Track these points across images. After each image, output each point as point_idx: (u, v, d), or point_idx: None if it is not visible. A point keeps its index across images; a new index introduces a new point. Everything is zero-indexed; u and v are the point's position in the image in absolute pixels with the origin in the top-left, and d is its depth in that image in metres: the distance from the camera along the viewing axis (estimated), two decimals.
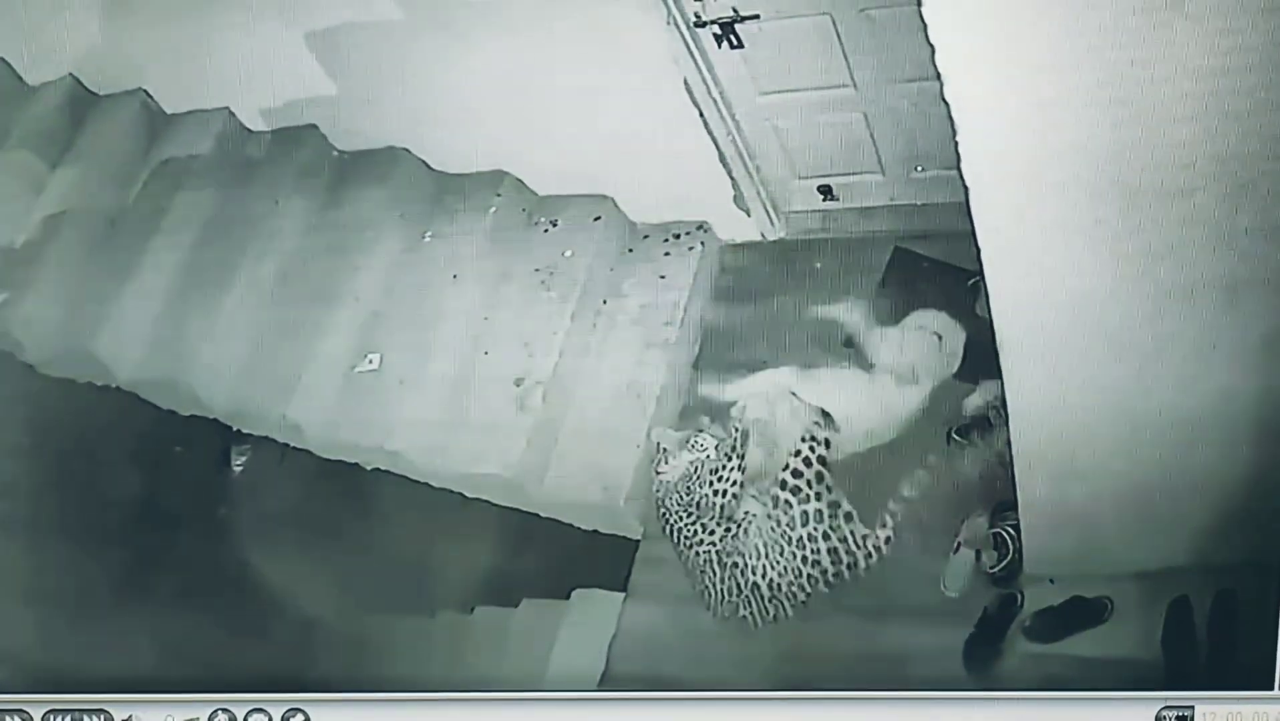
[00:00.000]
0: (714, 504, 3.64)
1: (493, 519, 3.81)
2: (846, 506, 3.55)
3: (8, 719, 3.24)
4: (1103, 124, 2.68)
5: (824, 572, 3.53)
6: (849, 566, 3.53)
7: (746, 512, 3.63)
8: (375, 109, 4.06)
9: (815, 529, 3.53)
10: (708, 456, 3.67)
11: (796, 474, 3.57)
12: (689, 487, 3.67)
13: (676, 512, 3.68)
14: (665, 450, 3.72)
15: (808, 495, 3.56)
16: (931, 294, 3.76)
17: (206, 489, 3.95)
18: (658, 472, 3.72)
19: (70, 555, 3.76)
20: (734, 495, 3.64)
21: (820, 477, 3.57)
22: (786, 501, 3.57)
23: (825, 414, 3.64)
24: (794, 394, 3.66)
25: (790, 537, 3.55)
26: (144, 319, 4.04)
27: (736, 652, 3.57)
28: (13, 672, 3.44)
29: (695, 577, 3.66)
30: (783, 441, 3.65)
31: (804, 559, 3.53)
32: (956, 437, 3.68)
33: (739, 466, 3.65)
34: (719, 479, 3.64)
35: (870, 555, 3.52)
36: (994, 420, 3.63)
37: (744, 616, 3.59)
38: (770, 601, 3.57)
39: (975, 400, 3.68)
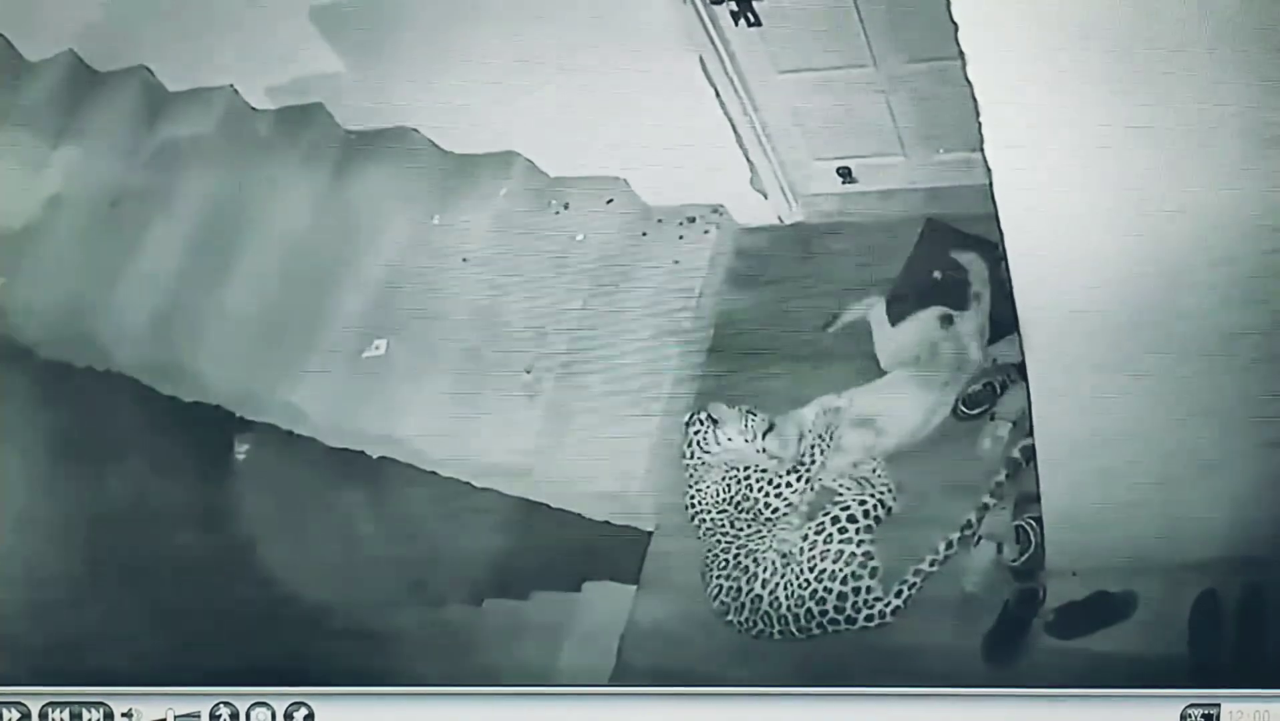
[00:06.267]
0: (757, 509, 3.63)
1: (502, 508, 3.79)
2: (875, 562, 3.52)
3: (6, 711, 3.23)
4: (1131, 100, 2.68)
5: (824, 614, 3.49)
6: (848, 620, 3.48)
7: (784, 520, 3.62)
8: (383, 87, 4.03)
9: (840, 569, 3.50)
10: (760, 464, 3.67)
11: (852, 518, 3.55)
12: (730, 485, 3.66)
13: (708, 499, 3.68)
14: (715, 421, 3.69)
15: (850, 537, 3.53)
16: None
17: (208, 477, 3.92)
18: (703, 449, 3.70)
19: (68, 544, 3.73)
20: (784, 512, 3.62)
21: (870, 529, 3.55)
22: (830, 535, 3.54)
23: (898, 484, 3.62)
24: (873, 455, 3.66)
25: (814, 566, 3.51)
26: (145, 302, 4.03)
27: (750, 646, 3.55)
28: (11, 664, 3.42)
29: (702, 562, 3.65)
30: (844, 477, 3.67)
31: (813, 592, 3.50)
32: (965, 410, 3.67)
33: (803, 494, 3.65)
34: (777, 495, 3.64)
35: (871, 619, 3.48)
36: (999, 387, 3.65)
37: (730, 621, 3.56)
38: (763, 617, 3.53)
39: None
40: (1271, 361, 3.01)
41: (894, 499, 3.59)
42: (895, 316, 3.79)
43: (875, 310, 3.79)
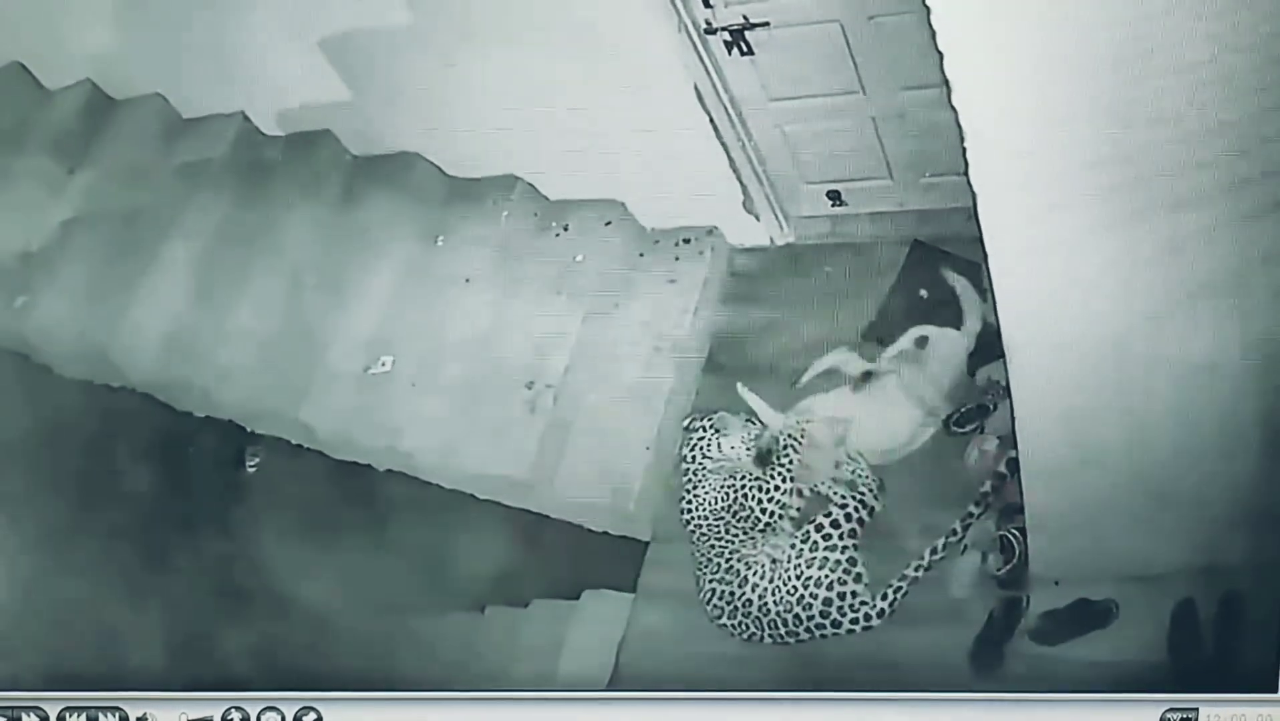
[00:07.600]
0: (755, 517, 3.64)
1: (503, 520, 3.81)
2: (860, 568, 3.53)
3: (24, 716, 3.23)
4: (1111, 129, 2.67)
5: (811, 619, 3.50)
6: (834, 625, 3.50)
7: (777, 526, 3.63)
8: (389, 114, 4.08)
9: (826, 575, 3.52)
10: (752, 471, 3.68)
11: (835, 524, 3.56)
12: (727, 492, 3.67)
13: (704, 505, 3.68)
14: (717, 431, 3.70)
15: (835, 544, 3.55)
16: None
17: (220, 489, 3.96)
18: (705, 455, 3.70)
19: (85, 554, 3.76)
20: (778, 515, 3.63)
21: (853, 534, 3.56)
22: (815, 542, 3.55)
23: (881, 483, 3.65)
24: (852, 455, 3.68)
25: (801, 573, 3.52)
26: (159, 321, 4.05)
27: (744, 653, 3.55)
28: (29, 670, 3.43)
29: (695, 566, 3.65)
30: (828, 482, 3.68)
31: (800, 598, 3.51)
32: (956, 428, 3.69)
33: (793, 495, 3.66)
34: (771, 501, 3.64)
35: (858, 622, 3.50)
36: (992, 406, 3.66)
37: (723, 624, 3.57)
38: (754, 621, 3.54)
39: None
40: (1250, 381, 2.99)
41: (875, 498, 3.60)
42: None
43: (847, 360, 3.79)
